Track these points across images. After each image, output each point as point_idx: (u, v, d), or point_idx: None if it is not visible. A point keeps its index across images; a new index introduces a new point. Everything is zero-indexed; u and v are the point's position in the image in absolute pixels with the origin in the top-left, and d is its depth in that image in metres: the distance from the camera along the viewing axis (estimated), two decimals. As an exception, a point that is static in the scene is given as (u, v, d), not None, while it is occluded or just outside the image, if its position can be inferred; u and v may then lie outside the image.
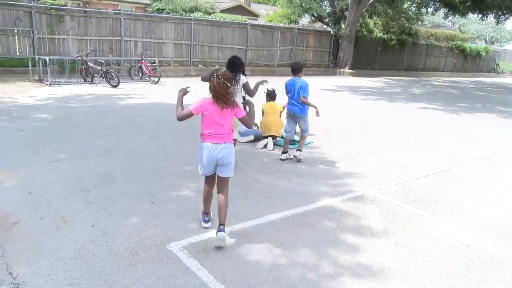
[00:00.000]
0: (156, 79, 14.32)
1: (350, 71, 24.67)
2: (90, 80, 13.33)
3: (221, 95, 3.69)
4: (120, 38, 16.50)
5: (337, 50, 25.04)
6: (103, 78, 13.12)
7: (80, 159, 5.96)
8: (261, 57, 21.67)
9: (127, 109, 9.76)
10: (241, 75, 5.69)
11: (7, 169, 5.37)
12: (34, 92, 11.17)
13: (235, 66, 5.62)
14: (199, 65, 19.31)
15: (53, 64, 13.47)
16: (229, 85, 3.70)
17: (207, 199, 4.14)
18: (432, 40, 31.06)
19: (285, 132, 7.02)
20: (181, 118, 3.89)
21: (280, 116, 7.70)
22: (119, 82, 12.90)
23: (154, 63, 15.39)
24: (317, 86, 17.31)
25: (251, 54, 21.23)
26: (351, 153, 7.26)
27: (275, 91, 7.83)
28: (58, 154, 6.13)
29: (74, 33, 15.44)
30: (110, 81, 12.95)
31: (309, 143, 7.64)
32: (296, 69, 6.58)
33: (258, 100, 7.85)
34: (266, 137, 7.33)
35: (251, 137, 7.47)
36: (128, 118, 8.75)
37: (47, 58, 12.56)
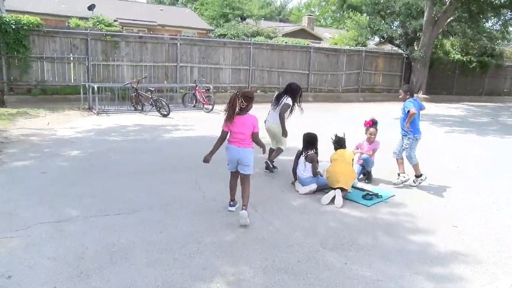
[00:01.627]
0: (210, 107, 13.20)
1: (425, 96, 22.16)
2: (140, 108, 12.47)
3: (231, 107, 4.65)
4: (176, 64, 15.73)
5: (409, 74, 22.72)
6: (153, 106, 12.19)
7: (95, 219, 4.67)
8: (324, 82, 20.02)
9: (172, 144, 8.55)
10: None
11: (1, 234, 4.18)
12: (78, 122, 10.40)
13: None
14: (258, 91, 18.05)
15: (104, 91, 12.85)
16: (243, 101, 4.65)
17: (232, 189, 5.11)
18: (519, 61, 27.53)
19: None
20: (221, 139, 5.03)
21: (352, 165, 6.01)
22: (169, 111, 11.89)
23: (208, 90, 14.31)
24: (388, 114, 15.28)
25: (314, 79, 19.65)
26: (450, 215, 5.34)
27: (344, 137, 6.20)
28: (72, 209, 4.90)
29: (129, 59, 14.88)
30: (161, 110, 11.99)
31: (389, 197, 5.84)
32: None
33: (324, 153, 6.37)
34: (334, 189, 5.63)
35: (314, 187, 5.82)
36: (169, 157, 7.49)
37: (95, 86, 11.86)
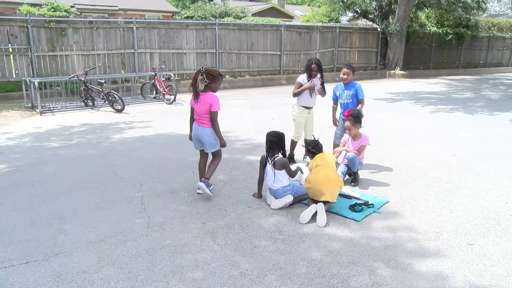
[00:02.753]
0: (172, 97, 11.80)
1: (402, 72, 21.26)
2: (91, 104, 10.97)
3: (193, 82, 4.59)
4: (133, 50, 14.18)
5: (385, 50, 21.73)
6: (105, 101, 10.71)
7: (4, 270, 3.36)
8: (298, 63, 18.78)
9: (121, 148, 7.21)
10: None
11: None
12: (14, 126, 8.88)
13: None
14: (227, 76, 16.69)
15: (51, 86, 11.27)
16: (205, 78, 4.53)
17: (200, 170, 5.02)
18: (494, 31, 26.90)
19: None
20: (191, 116, 4.89)
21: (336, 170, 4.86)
22: (124, 106, 10.48)
23: (169, 78, 12.88)
24: (368, 94, 14.19)
25: (286, 60, 18.39)
26: (459, 226, 4.28)
27: (318, 142, 5.15)
28: (-36, 258, 3.57)
29: (79, 48, 13.24)
30: (114, 105, 10.55)
31: (383, 205, 4.73)
32: None
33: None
34: (315, 202, 4.47)
35: (289, 199, 4.65)
36: (114, 166, 6.17)
37: (35, 81, 10.28)
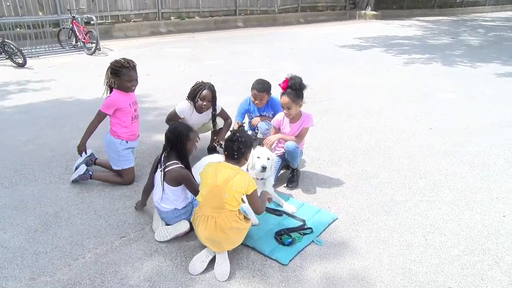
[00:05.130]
0: (92, 46, 9.57)
1: (374, 13, 19.24)
2: (-14, 56, 8.67)
3: None
4: (52, -14, 11.54)
5: (356, -13, 19.50)
6: (1, 53, 8.45)
7: None
8: (256, 2, 16.41)
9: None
10: None
11: None
12: None
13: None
14: (172, 18, 14.32)
15: None
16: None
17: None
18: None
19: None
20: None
21: (253, 192, 2.94)
22: (24, 59, 8.25)
23: (89, 22, 10.54)
24: (332, 39, 12.36)
25: (243, -1, 16.01)
26: (448, 273, 2.75)
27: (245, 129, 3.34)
28: None
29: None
30: (13, 58, 8.31)
31: (329, 224, 3.14)
32: None
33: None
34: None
35: (185, 226, 2.97)
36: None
37: None
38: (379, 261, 2.77)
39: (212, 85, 3.93)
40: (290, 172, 3.78)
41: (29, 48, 9.49)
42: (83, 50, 9.88)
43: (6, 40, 8.31)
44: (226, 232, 2.59)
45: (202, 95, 3.82)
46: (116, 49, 10.38)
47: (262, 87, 3.94)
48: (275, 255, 2.78)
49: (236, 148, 2.64)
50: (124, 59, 3.52)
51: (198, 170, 3.31)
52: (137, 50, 10.33)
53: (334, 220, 3.22)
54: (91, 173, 3.73)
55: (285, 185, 3.75)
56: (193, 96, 3.88)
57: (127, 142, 3.66)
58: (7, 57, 8.36)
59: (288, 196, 3.56)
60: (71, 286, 2.54)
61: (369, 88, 7.12)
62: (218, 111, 4.07)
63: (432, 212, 3.35)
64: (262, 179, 3.38)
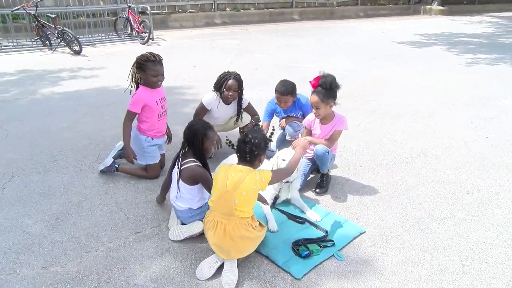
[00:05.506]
0: (145, 36, 9.77)
1: (440, 8, 18.05)
2: (48, 43, 9.14)
3: None
4: (112, -24, 11.95)
5: (422, -21, 18.40)
6: (60, 41, 8.86)
7: None
8: (314, -6, 16.00)
9: (35, 109, 5.57)
10: None
11: None
12: None
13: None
14: (227, 9, 14.31)
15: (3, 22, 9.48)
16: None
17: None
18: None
19: None
20: None
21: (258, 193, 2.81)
22: (80, 47, 8.60)
23: (143, 12, 10.76)
24: (391, 35, 11.71)
25: (300, -9, 15.64)
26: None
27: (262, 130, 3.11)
28: None
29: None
30: (71, 45, 8.70)
31: (354, 238, 2.89)
32: None
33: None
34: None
35: (198, 229, 2.84)
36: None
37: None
38: (404, 285, 2.48)
39: (238, 74, 3.78)
40: (319, 177, 3.54)
41: (87, 36, 9.87)
42: (137, 40, 10.12)
43: (65, 29, 8.69)
44: (235, 240, 2.43)
45: (228, 84, 3.69)
46: (169, 39, 10.55)
47: (285, 90, 3.67)
48: (289, 267, 2.58)
49: (249, 150, 2.47)
50: (150, 53, 3.43)
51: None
52: (189, 41, 10.42)
53: (361, 234, 2.95)
54: (117, 165, 3.73)
55: (313, 189, 3.51)
56: (219, 86, 3.76)
57: (152, 139, 3.61)
58: (65, 44, 8.74)
59: (314, 203, 3.33)
60: (78, 279, 2.51)
61: (423, 88, 6.62)
62: (245, 104, 3.91)
63: (475, 234, 2.97)
64: (287, 182, 3.19)
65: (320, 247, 2.76)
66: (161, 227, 3.02)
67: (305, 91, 3.87)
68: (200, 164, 2.83)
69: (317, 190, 3.47)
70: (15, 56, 8.58)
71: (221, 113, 3.88)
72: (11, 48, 9.11)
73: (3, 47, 9.13)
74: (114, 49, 9.36)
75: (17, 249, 2.78)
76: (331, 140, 3.37)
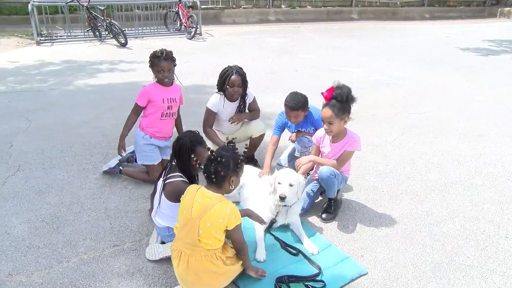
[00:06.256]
0: (192, 31, 9.71)
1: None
2: (99, 35, 9.37)
3: None
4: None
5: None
6: (108, 32, 9.04)
7: None
8: (376, -8, 15.16)
9: (63, 102, 5.61)
10: None
11: None
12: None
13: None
14: (283, 6, 13.94)
15: (56, 12, 9.86)
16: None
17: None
18: None
19: None
20: None
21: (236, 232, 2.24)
22: (126, 40, 8.70)
23: (191, 7, 10.69)
24: (455, 40, 10.73)
25: (361, -11, 14.88)
26: None
27: (235, 147, 2.47)
28: None
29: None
30: (117, 37, 8.84)
31: (349, 282, 2.47)
32: None
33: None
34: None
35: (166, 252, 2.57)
36: (18, 134, 4.56)
37: (33, 4, 8.84)
38: None
39: (241, 68, 3.49)
40: (327, 201, 3.13)
41: (137, 29, 10.00)
42: (184, 34, 10.09)
43: (112, 21, 8.83)
44: (199, 275, 2.13)
45: (231, 80, 3.42)
46: (216, 35, 10.42)
47: (295, 104, 3.22)
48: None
49: (214, 170, 2.14)
50: (161, 49, 3.31)
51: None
52: (236, 38, 10.22)
53: (361, 276, 2.53)
54: (121, 168, 3.59)
55: (320, 214, 3.11)
56: (221, 83, 3.48)
57: (150, 137, 3.41)
58: (111, 36, 8.89)
59: (315, 231, 2.93)
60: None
61: (478, 104, 5.87)
62: (250, 99, 3.61)
63: (505, 293, 2.43)
64: (285, 205, 2.83)
65: (309, 284, 2.38)
66: (142, 242, 2.80)
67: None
68: (186, 180, 2.56)
69: (323, 216, 3.06)
70: (67, 46, 8.88)
71: (228, 112, 3.60)
72: (65, 38, 9.44)
73: (58, 37, 9.49)
74: (160, 43, 9.38)
75: (-8, 250, 2.68)
76: (340, 161, 2.95)
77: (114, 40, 8.99)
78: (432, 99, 5.97)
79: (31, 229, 2.90)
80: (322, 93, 2.88)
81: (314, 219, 3.09)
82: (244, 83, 3.49)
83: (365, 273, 2.54)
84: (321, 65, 7.68)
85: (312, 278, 2.45)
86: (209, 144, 3.35)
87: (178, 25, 10.47)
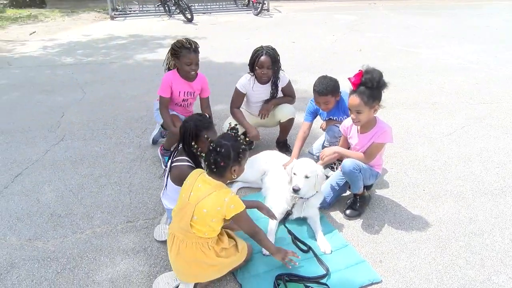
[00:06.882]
0: (259, 6, 9.53)
1: None
2: (168, 10, 9.61)
3: None
4: None
5: None
6: (176, 8, 9.21)
7: None
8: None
9: (118, 75, 5.87)
10: None
11: None
12: (73, 30, 8.29)
13: None
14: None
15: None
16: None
17: None
18: None
19: None
20: None
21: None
22: (192, 15, 8.81)
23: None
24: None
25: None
26: None
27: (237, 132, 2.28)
28: None
29: None
30: (184, 13, 8.97)
31: (363, 287, 2.24)
32: None
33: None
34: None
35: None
36: (65, 107, 4.84)
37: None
38: None
39: (272, 49, 3.25)
40: (352, 196, 2.87)
41: (206, 4, 10.05)
42: (251, 10, 9.95)
43: (181, -3, 8.98)
44: (188, 262, 2.05)
45: (260, 61, 3.20)
46: (284, 11, 10.12)
47: (324, 89, 2.91)
48: (257, 307, 2.11)
49: (213, 160, 2.01)
50: (186, 39, 3.16)
51: (250, 165, 2.84)
52: (304, 14, 9.84)
53: (373, 284, 2.28)
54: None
55: (344, 210, 2.87)
56: (251, 63, 3.29)
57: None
58: (178, 11, 9.03)
59: (334, 228, 2.71)
60: (49, 260, 2.46)
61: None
62: (283, 83, 3.37)
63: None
64: (301, 197, 2.63)
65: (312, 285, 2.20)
66: (154, 221, 2.80)
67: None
68: (192, 165, 2.47)
69: (347, 212, 2.82)
70: (138, 21, 9.20)
71: (258, 95, 3.43)
72: (137, 14, 9.79)
73: (132, 12, 9.87)
74: (226, 18, 9.35)
75: (21, 215, 2.85)
76: (368, 154, 2.65)
77: (181, 15, 9.12)
78: (507, 88, 5.23)
79: (58, 197, 3.04)
80: (349, 79, 2.59)
81: (337, 215, 2.86)
82: (275, 65, 3.26)
83: (379, 281, 2.29)
84: (388, 45, 7.10)
85: (316, 280, 2.25)
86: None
87: (246, 1, 10.32)
